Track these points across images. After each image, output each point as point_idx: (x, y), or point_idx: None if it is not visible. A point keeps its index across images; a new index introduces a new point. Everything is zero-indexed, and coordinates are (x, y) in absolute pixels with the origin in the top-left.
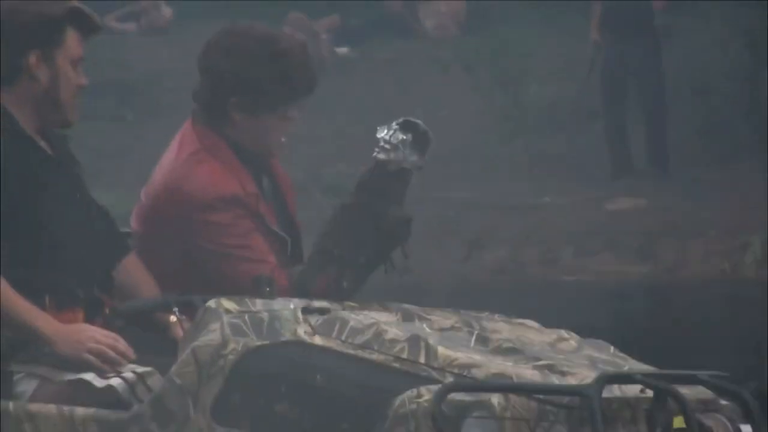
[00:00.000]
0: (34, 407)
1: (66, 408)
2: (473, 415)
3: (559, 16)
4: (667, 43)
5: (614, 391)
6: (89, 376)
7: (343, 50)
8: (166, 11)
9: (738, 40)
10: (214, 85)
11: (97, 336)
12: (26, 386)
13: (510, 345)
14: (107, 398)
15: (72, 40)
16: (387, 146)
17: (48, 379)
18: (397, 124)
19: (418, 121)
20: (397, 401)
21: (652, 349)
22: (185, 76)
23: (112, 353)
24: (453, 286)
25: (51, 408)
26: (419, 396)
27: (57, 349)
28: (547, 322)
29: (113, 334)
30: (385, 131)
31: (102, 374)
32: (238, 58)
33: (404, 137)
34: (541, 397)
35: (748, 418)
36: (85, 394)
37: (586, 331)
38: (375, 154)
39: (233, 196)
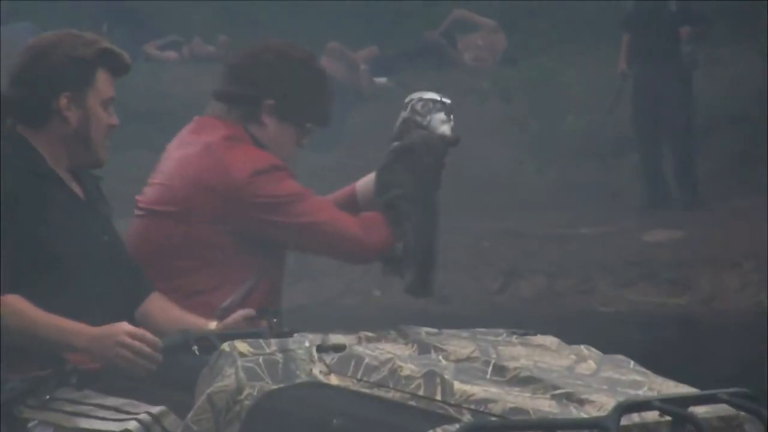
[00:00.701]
0: None
1: None
2: None
3: (595, 47)
4: (704, 71)
5: (633, 418)
6: (104, 426)
7: (381, 80)
8: (211, 48)
9: None
10: (255, 84)
11: (126, 329)
12: None
13: (528, 374)
14: None
15: (102, 80)
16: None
17: (63, 426)
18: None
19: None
20: None
21: (687, 381)
22: None
23: (144, 349)
24: (489, 315)
25: None
26: None
27: (94, 357)
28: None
29: (140, 330)
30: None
31: (118, 416)
32: (286, 63)
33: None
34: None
35: None
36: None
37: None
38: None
39: (275, 164)
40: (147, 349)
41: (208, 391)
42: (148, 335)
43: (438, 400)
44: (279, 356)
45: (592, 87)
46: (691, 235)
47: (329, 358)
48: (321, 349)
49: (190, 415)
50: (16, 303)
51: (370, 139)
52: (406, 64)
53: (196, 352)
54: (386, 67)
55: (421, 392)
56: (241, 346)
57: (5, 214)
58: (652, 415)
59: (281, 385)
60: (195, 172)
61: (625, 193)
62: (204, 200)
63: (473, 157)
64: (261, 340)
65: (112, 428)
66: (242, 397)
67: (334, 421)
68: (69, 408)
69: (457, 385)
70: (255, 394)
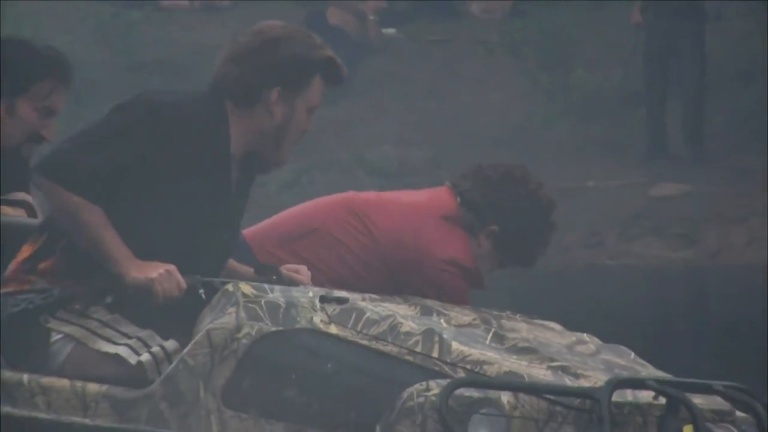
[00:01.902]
0: (48, 381)
1: (79, 383)
2: (481, 411)
3: (605, 1)
4: (713, 27)
5: (626, 396)
6: (124, 352)
7: (389, 31)
8: None
9: None
10: (487, 209)
11: (162, 264)
12: (61, 347)
13: (526, 344)
14: (135, 373)
15: (316, 86)
16: None
17: (84, 344)
18: None
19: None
20: (406, 394)
21: (692, 334)
22: None
23: (174, 279)
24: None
25: (64, 383)
26: (428, 389)
27: (128, 276)
28: (592, 304)
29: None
30: None
31: (135, 351)
32: (522, 200)
33: None
34: (551, 398)
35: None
36: (115, 367)
37: (626, 313)
38: None
39: (469, 268)
40: (177, 277)
41: (207, 327)
42: (177, 272)
43: (434, 358)
44: (281, 301)
45: (602, 41)
46: (698, 190)
47: (331, 308)
48: (324, 299)
49: (186, 349)
50: (96, 209)
51: (379, 91)
52: (414, 14)
53: (203, 296)
54: (395, 18)
55: (418, 348)
56: (245, 287)
57: (158, 153)
58: (645, 397)
59: (280, 328)
60: (403, 223)
61: (633, 148)
62: (391, 248)
63: (481, 111)
64: (266, 285)
65: (127, 357)
66: (240, 335)
67: (329, 365)
68: (94, 328)
69: (454, 345)
70: (253, 333)
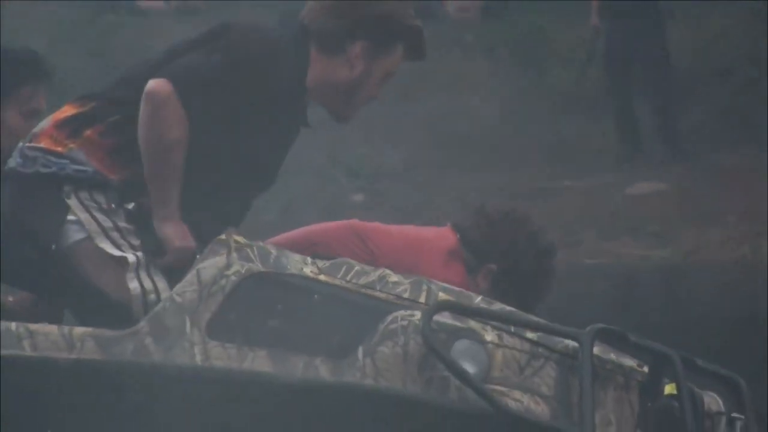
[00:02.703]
0: (34, 326)
1: (66, 327)
2: (463, 339)
3: (581, 1)
4: (685, 25)
5: (611, 355)
6: (132, 258)
7: None
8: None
9: (760, 24)
10: (488, 249)
11: (190, 239)
12: (72, 232)
13: (513, 309)
14: (125, 299)
15: (397, 54)
16: None
17: (93, 239)
18: None
19: None
20: (389, 317)
21: (669, 332)
22: None
23: (187, 261)
24: None
25: (52, 327)
26: (411, 315)
27: (162, 227)
28: (569, 303)
29: (191, 239)
30: None
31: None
32: (526, 248)
33: None
34: (534, 339)
35: (740, 407)
36: (114, 271)
37: (604, 312)
38: None
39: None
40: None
41: (197, 266)
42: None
43: (421, 303)
44: (273, 250)
45: (578, 41)
46: (674, 189)
47: (322, 262)
48: (316, 256)
49: (176, 288)
50: (183, 147)
51: None
52: None
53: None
54: None
55: (406, 295)
56: (238, 237)
57: (243, 86)
58: (629, 363)
59: (270, 270)
60: (404, 248)
61: (609, 147)
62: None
63: (458, 112)
64: (261, 242)
65: (112, 251)
66: (230, 272)
67: (315, 296)
68: (107, 227)
69: (441, 294)
70: (242, 272)
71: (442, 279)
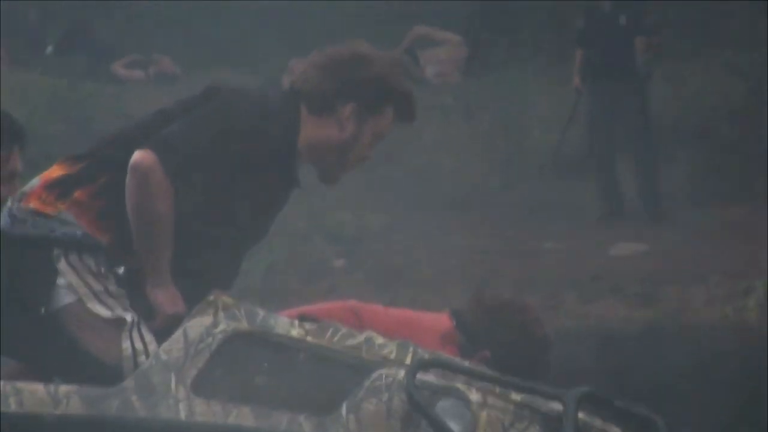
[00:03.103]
0: (21, 384)
1: (52, 385)
2: (448, 399)
3: (559, 64)
4: (666, 86)
5: (596, 421)
6: (127, 317)
7: None
8: (173, 66)
9: (739, 84)
10: (484, 335)
11: (179, 305)
12: (62, 297)
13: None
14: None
15: (387, 116)
16: None
17: (84, 302)
18: None
19: None
20: (374, 374)
21: (652, 392)
22: None
23: (174, 325)
24: None
25: (38, 386)
26: (396, 372)
27: (153, 290)
28: (551, 365)
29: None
30: None
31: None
32: (517, 333)
33: None
34: (518, 400)
35: None
36: (105, 333)
37: (586, 374)
38: None
39: None
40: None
41: (185, 324)
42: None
43: (407, 364)
44: (260, 311)
45: (557, 103)
46: (656, 249)
47: (309, 324)
48: (303, 318)
49: (163, 345)
50: (171, 217)
51: None
52: None
53: None
54: None
55: (392, 357)
56: (226, 298)
57: (232, 144)
58: (614, 430)
59: (256, 329)
60: (399, 329)
61: (590, 208)
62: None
63: (438, 174)
64: (248, 304)
65: (103, 313)
66: (217, 331)
67: (301, 355)
68: (97, 291)
69: (428, 356)
70: (229, 330)
71: None
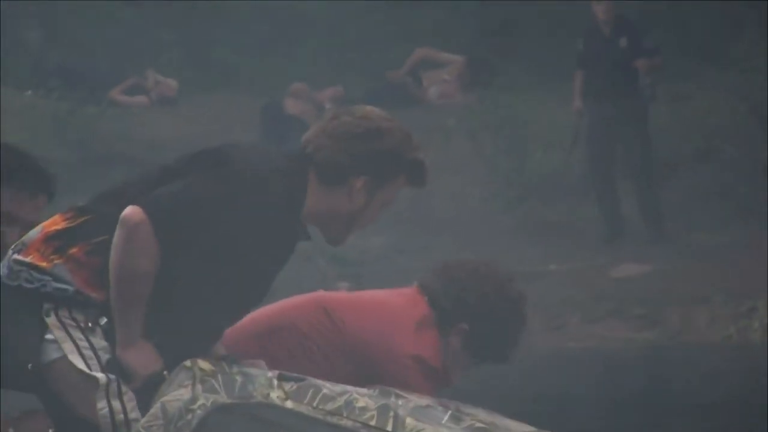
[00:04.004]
0: None
1: None
2: None
3: (562, 85)
4: (668, 107)
5: None
6: (102, 379)
7: None
8: (172, 82)
9: (741, 105)
10: (458, 306)
11: (153, 364)
12: (50, 352)
13: (482, 426)
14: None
15: (399, 184)
16: None
17: (67, 356)
18: None
19: None
20: None
21: (655, 414)
22: (187, 145)
23: (150, 387)
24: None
25: None
26: None
27: (123, 353)
28: (555, 388)
29: (157, 362)
30: None
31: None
32: (493, 302)
33: None
34: None
35: None
36: (86, 388)
37: (590, 396)
38: None
39: (436, 367)
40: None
41: (162, 399)
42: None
43: (388, 431)
44: (238, 378)
45: (560, 125)
46: (659, 270)
47: (288, 385)
48: (282, 377)
49: (142, 421)
50: (151, 278)
51: None
52: (371, 101)
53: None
54: (352, 105)
55: (373, 423)
56: (203, 363)
57: (234, 209)
58: None
59: (236, 401)
60: (372, 322)
61: (593, 230)
62: (357, 346)
63: (441, 196)
64: (224, 363)
65: (85, 370)
66: (195, 406)
67: None
68: (82, 346)
69: (409, 420)
70: (208, 405)
71: (415, 349)
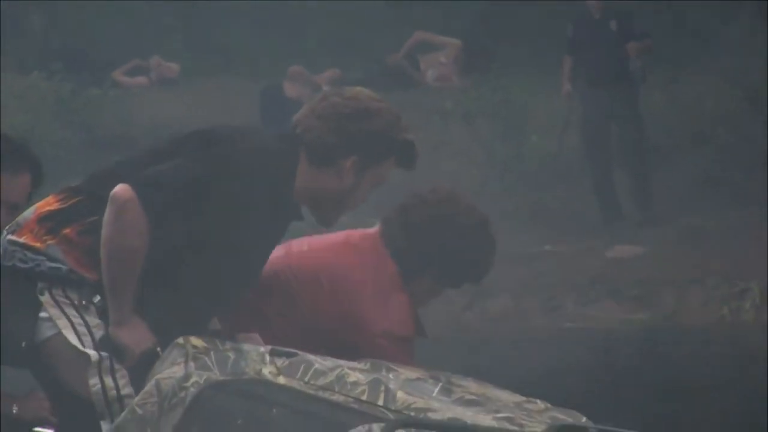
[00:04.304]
0: None
1: None
2: None
3: (559, 70)
4: (664, 92)
5: None
6: (94, 356)
7: None
8: (174, 65)
9: (737, 91)
10: (423, 248)
11: (146, 340)
12: (44, 330)
13: (473, 398)
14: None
15: (388, 165)
16: None
17: (62, 333)
18: None
19: None
20: None
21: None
22: (188, 128)
23: (146, 362)
24: (455, 334)
25: None
26: (370, 431)
27: (116, 330)
28: (550, 368)
29: (150, 340)
30: None
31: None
32: (457, 230)
33: None
34: None
35: None
36: (80, 365)
37: (584, 377)
38: None
39: (408, 336)
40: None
41: (157, 377)
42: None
43: (379, 406)
44: (231, 353)
45: (556, 109)
46: (653, 252)
47: (280, 361)
48: (274, 353)
49: (136, 399)
50: (142, 255)
51: None
52: (369, 84)
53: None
54: None
55: (364, 397)
56: (196, 340)
57: (226, 189)
58: None
59: (228, 378)
60: (337, 306)
61: (588, 213)
62: (330, 332)
63: (437, 178)
64: (216, 339)
65: (79, 347)
66: (188, 384)
67: (274, 410)
68: (76, 323)
69: (400, 394)
70: (201, 382)
71: (386, 323)
